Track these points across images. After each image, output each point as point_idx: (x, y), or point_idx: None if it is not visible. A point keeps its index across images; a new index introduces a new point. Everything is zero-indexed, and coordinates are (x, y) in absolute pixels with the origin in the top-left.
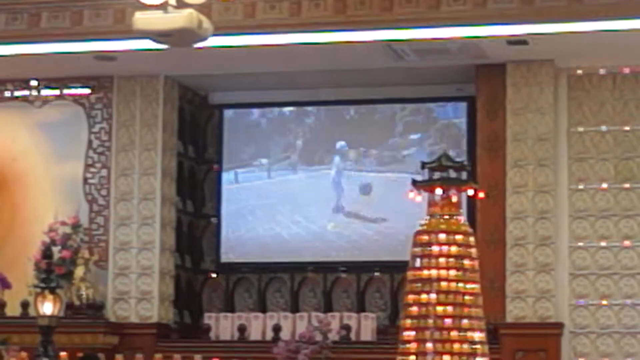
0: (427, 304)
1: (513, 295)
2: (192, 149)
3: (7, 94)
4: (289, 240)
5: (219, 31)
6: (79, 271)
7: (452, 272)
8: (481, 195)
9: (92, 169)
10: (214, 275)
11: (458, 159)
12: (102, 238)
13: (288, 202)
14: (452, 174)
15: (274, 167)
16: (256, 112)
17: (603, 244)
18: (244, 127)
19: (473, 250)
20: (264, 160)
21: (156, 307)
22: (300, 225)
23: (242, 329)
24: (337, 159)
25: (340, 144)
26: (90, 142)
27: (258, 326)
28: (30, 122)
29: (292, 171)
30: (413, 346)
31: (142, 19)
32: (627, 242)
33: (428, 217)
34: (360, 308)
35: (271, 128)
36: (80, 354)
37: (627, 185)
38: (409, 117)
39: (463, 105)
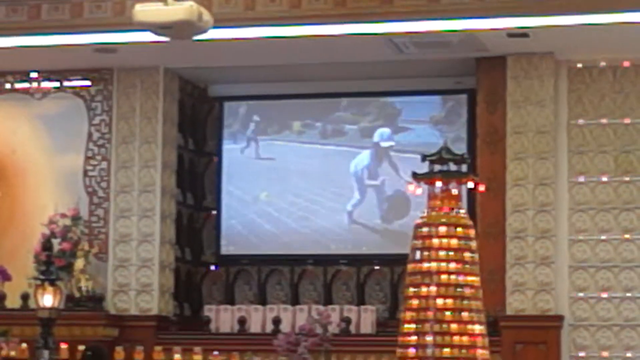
0: (427, 296)
1: (513, 288)
2: (192, 141)
3: (8, 86)
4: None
5: (219, 23)
6: (79, 263)
7: (452, 265)
8: (481, 188)
9: (92, 162)
10: (213, 267)
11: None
12: (102, 230)
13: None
14: (453, 166)
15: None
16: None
17: (603, 236)
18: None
19: (473, 243)
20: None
21: (156, 300)
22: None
23: (242, 321)
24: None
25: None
26: (90, 134)
27: (258, 318)
28: (30, 114)
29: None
30: (413, 339)
31: (142, 11)
32: (627, 235)
33: (428, 210)
34: (360, 301)
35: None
36: (82, 347)
37: (627, 178)
38: None
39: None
